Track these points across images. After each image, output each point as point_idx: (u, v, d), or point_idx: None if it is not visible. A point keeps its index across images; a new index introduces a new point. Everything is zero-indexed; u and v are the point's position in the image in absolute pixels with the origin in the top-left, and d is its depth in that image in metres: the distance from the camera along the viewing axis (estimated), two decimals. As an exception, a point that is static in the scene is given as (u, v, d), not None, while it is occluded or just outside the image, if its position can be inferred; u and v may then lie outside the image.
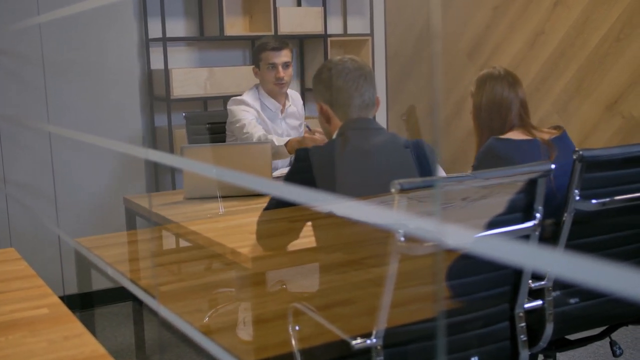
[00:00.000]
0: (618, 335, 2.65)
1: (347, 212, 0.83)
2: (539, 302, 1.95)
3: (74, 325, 1.50)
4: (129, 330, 3.56)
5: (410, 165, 1.91)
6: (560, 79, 3.98)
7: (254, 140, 3.13)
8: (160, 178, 4.44)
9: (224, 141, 3.74)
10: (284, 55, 3.38)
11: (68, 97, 3.81)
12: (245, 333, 3.36)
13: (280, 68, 3.37)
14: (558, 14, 3.96)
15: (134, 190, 3.95)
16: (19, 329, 1.48)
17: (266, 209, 2.02)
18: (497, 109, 2.33)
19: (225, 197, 2.89)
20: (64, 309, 1.60)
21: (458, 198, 1.66)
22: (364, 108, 1.97)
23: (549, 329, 1.98)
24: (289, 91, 3.72)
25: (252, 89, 3.50)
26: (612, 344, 2.41)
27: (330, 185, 1.85)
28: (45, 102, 3.77)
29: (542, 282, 1.98)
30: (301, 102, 3.72)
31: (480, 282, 1.78)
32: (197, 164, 1.05)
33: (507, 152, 2.19)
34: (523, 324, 1.86)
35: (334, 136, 1.98)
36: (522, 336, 1.86)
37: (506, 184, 1.75)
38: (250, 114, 3.32)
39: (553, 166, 1.71)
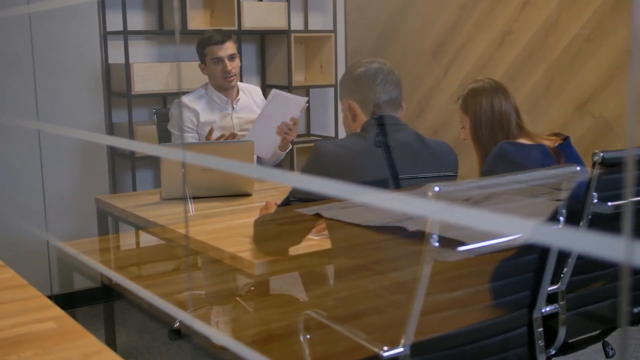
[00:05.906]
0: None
1: (377, 204, 0.75)
2: (555, 306, 1.92)
3: (89, 341, 1.38)
4: (97, 335, 3.38)
5: (432, 163, 1.86)
6: (529, 80, 3.99)
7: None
8: (119, 178, 4.25)
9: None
10: (229, 48, 3.35)
11: (28, 92, 3.62)
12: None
13: (226, 61, 3.33)
14: (527, 14, 3.97)
15: (99, 191, 3.79)
16: (29, 346, 1.34)
17: (282, 204, 1.92)
18: (499, 123, 2.27)
19: (205, 198, 2.78)
20: (72, 322, 1.47)
21: (460, 199, 1.60)
22: (390, 106, 1.93)
23: (562, 332, 1.95)
24: (246, 85, 3.63)
25: (198, 89, 3.48)
26: (605, 344, 2.41)
27: (350, 180, 1.77)
28: (5, 96, 3.56)
29: (555, 287, 1.94)
30: (261, 96, 3.63)
31: (504, 287, 1.73)
32: (237, 163, 0.96)
33: (519, 156, 2.15)
34: (541, 329, 1.83)
35: (358, 130, 1.92)
36: (539, 341, 1.83)
37: (525, 188, 1.70)
38: (183, 123, 3.34)
39: (578, 168, 1.68)
